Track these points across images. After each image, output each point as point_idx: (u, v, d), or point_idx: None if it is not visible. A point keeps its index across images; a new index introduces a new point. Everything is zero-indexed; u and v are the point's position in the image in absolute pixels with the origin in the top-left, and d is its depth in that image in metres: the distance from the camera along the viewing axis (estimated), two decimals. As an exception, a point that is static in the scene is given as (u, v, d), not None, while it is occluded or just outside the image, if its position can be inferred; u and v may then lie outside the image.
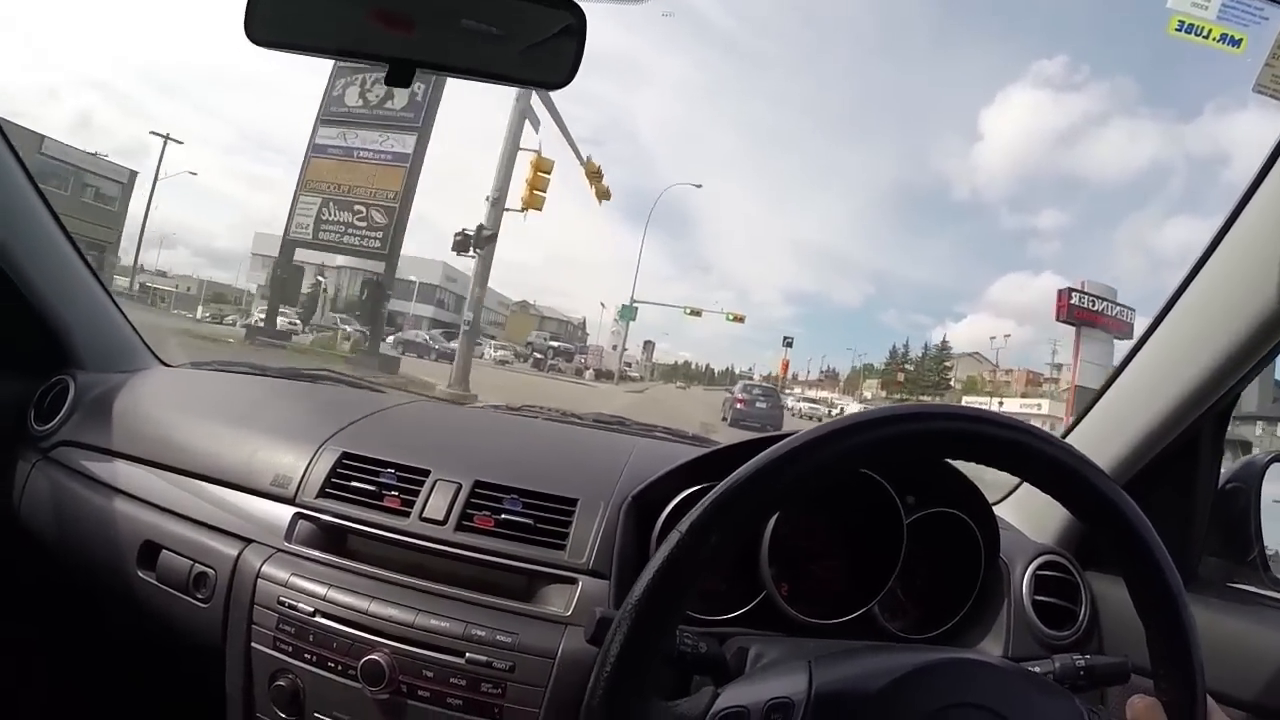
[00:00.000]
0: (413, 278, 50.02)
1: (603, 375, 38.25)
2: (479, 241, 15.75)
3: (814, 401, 47.02)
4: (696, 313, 41.95)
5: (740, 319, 44.24)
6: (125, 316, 1.76)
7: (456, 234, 15.69)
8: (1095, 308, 32.60)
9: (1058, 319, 33.17)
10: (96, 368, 1.64)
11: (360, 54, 0.93)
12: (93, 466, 1.45)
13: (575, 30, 0.89)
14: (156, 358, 1.79)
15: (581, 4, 0.89)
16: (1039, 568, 1.21)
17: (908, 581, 1.21)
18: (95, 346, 1.66)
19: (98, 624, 1.57)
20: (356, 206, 19.74)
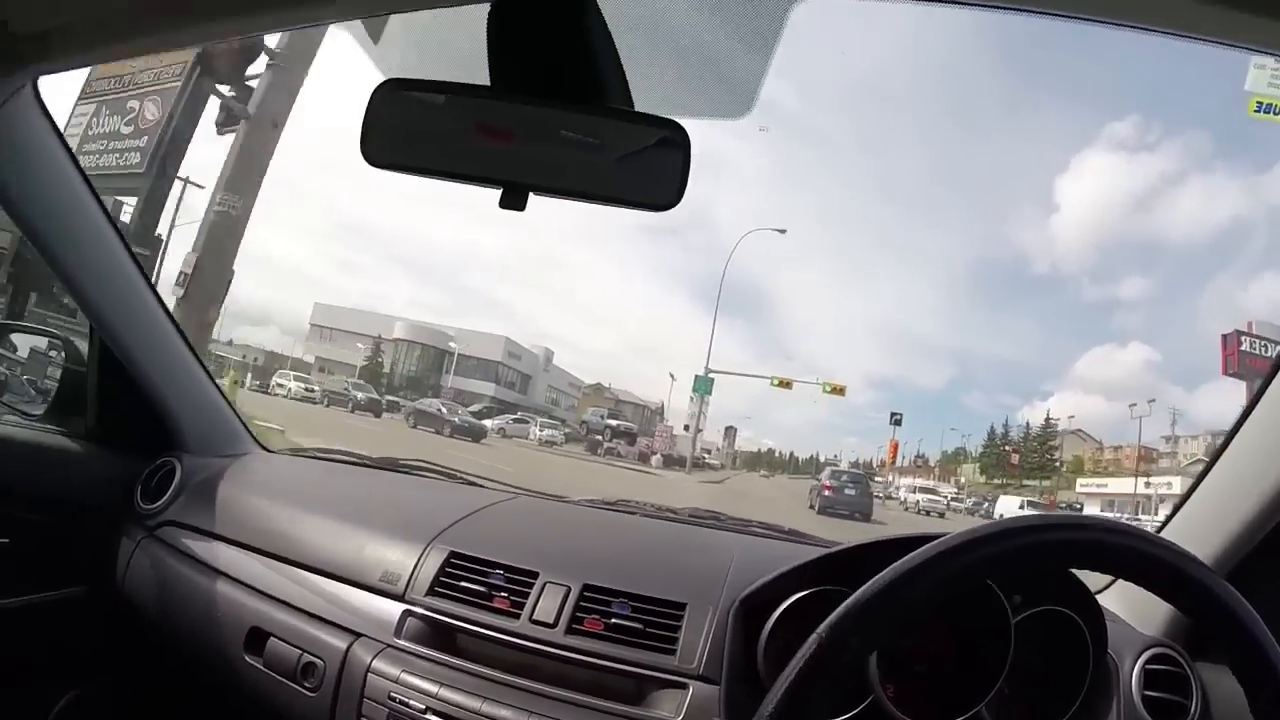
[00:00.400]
0: (471, 352, 46.66)
1: (673, 462, 33.12)
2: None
3: (932, 494, 39.85)
4: (786, 384, 35.84)
5: (840, 391, 36.57)
6: (229, 401, 1.84)
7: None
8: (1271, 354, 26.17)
9: (1226, 372, 27.52)
10: (201, 451, 1.71)
11: (472, 177, 0.94)
12: (197, 548, 1.50)
13: (680, 148, 0.90)
14: (258, 443, 1.86)
15: (681, 121, 0.90)
16: (1148, 661, 1.17)
17: (1014, 679, 1.16)
18: (200, 430, 1.73)
19: (201, 702, 1.60)
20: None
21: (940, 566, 0.70)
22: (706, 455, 45.45)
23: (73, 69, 1.13)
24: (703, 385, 34.99)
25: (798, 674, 0.68)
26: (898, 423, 50.34)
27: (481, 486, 1.87)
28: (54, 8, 0.99)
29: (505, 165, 0.93)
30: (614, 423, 39.06)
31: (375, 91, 0.91)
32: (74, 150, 1.37)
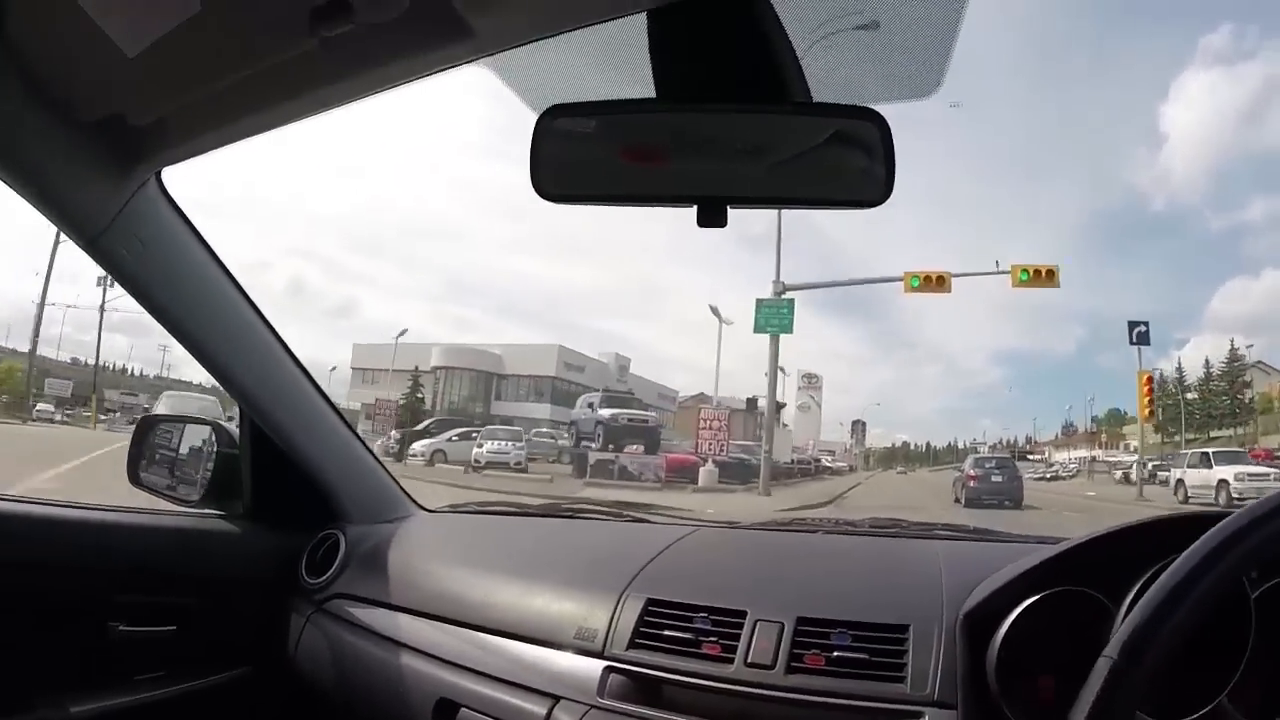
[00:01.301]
0: (518, 370, 42.18)
1: (740, 473, 19.77)
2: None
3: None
4: (937, 282, 19.82)
5: (1048, 273, 19.66)
6: (384, 467, 1.83)
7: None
8: None
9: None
10: (362, 520, 1.70)
11: (660, 198, 0.88)
12: (371, 619, 1.48)
13: (879, 137, 0.83)
14: (416, 504, 1.85)
15: (879, 107, 0.82)
16: None
17: (1250, 662, 1.02)
18: (359, 499, 1.72)
19: None
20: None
21: (1231, 553, 0.64)
22: (827, 457, 42.36)
23: (193, 156, 1.13)
24: (773, 315, 19.57)
25: (1095, 706, 0.62)
26: (1143, 338, 26.59)
27: (651, 522, 1.81)
28: (168, 96, 0.98)
29: (693, 180, 0.86)
30: (610, 413, 23.38)
31: (539, 122, 0.86)
32: (203, 235, 1.38)
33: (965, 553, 1.44)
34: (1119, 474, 33.64)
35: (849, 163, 0.85)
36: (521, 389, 43.31)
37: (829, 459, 43.35)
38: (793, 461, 31.95)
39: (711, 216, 0.85)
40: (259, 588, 1.62)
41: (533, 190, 0.86)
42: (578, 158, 0.88)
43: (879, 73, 0.98)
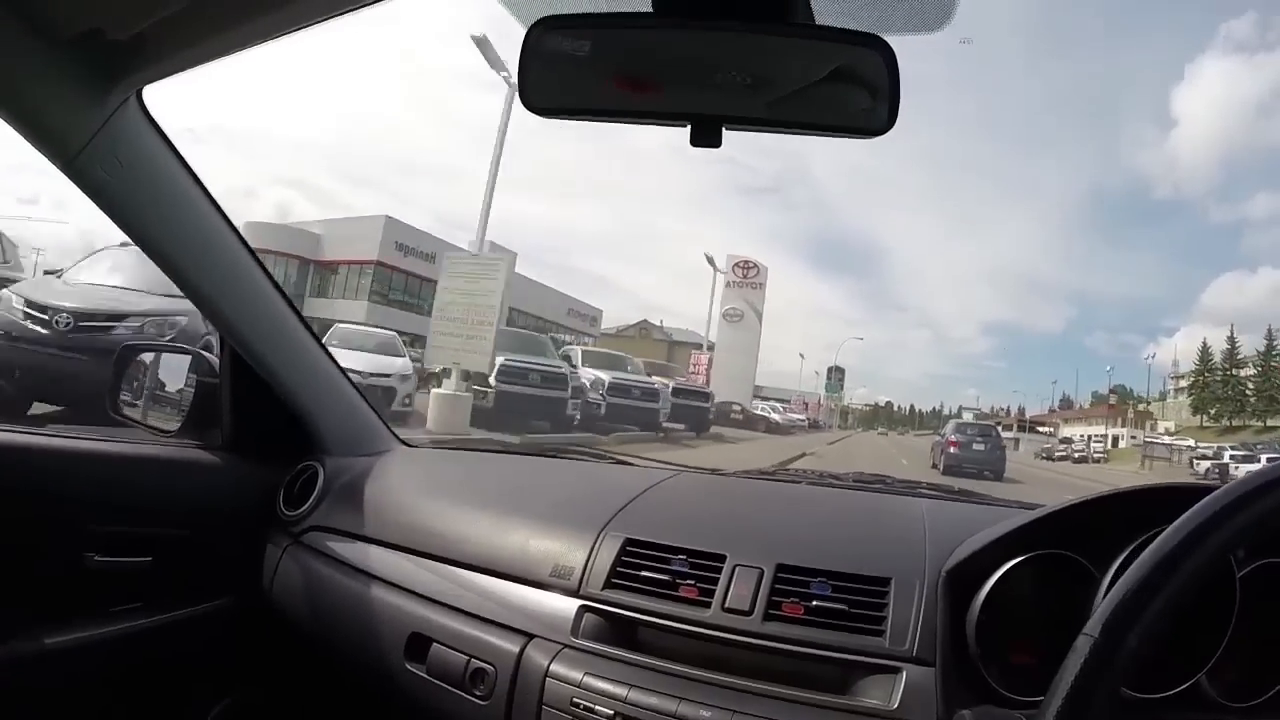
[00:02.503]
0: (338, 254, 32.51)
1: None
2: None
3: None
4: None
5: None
6: (365, 399, 1.82)
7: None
8: None
9: None
10: (342, 452, 1.69)
11: (653, 114, 0.86)
12: (347, 551, 1.47)
13: (884, 64, 0.80)
14: (398, 438, 1.84)
15: (887, 39, 0.80)
16: None
17: (1232, 640, 1.02)
18: (339, 431, 1.71)
19: (359, 711, 1.58)
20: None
21: (1221, 528, 0.62)
22: (770, 410, 33.87)
23: (175, 73, 1.08)
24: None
25: (1070, 692, 0.60)
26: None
27: (634, 465, 1.81)
28: (148, 9, 0.94)
29: (687, 99, 0.84)
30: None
31: (528, 34, 0.83)
32: (186, 158, 1.33)
33: (950, 512, 1.43)
34: (1205, 465, 28.92)
35: (851, 90, 0.83)
36: (351, 282, 34.00)
37: (774, 412, 34.21)
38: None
39: (706, 136, 0.83)
40: (237, 519, 1.61)
41: (522, 107, 0.83)
42: (568, 71, 0.85)
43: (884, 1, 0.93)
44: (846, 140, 0.88)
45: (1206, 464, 28.22)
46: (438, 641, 1.24)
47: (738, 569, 1.13)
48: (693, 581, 1.14)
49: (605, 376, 16.23)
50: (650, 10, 0.82)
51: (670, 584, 1.15)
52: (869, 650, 1.03)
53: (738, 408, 28.21)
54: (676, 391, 18.13)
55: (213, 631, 1.57)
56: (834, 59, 0.82)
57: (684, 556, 1.17)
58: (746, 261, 42.38)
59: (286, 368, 1.61)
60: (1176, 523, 0.64)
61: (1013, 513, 1.18)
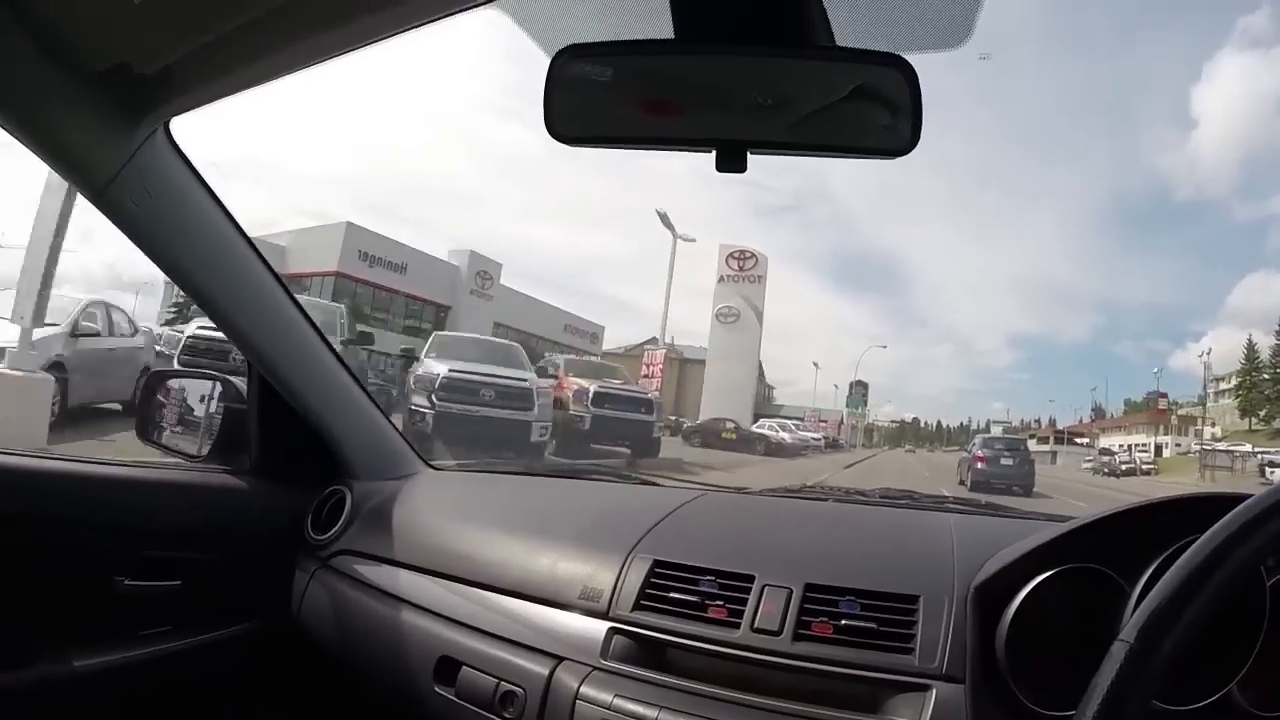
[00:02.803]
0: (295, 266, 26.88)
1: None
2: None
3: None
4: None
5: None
6: (392, 423, 1.83)
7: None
8: None
9: None
10: (369, 476, 1.69)
11: (679, 141, 0.87)
12: (375, 575, 1.48)
13: (906, 85, 0.81)
14: (424, 461, 1.84)
15: (908, 58, 0.80)
16: None
17: (1262, 651, 1.00)
18: (366, 455, 1.72)
19: None
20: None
21: (1252, 537, 0.63)
22: (777, 430, 26.61)
23: (201, 105, 1.11)
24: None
25: (1105, 700, 0.60)
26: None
27: (660, 485, 1.81)
28: (174, 42, 0.96)
29: (712, 123, 0.84)
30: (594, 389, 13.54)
31: (553, 63, 0.84)
32: (212, 188, 1.36)
33: (978, 526, 1.42)
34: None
35: (874, 111, 0.83)
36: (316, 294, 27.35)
37: (783, 430, 27.56)
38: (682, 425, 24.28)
39: (731, 161, 0.83)
40: (264, 543, 1.62)
41: (549, 137, 0.84)
42: (592, 99, 0.86)
43: (906, 18, 0.93)
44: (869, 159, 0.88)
45: (1280, 470, 24.09)
46: (467, 664, 1.24)
47: (766, 589, 1.13)
48: (721, 602, 1.13)
49: (590, 385, 13.34)
50: (672, 37, 0.83)
51: (699, 605, 1.14)
52: (898, 668, 1.03)
53: (730, 425, 23.90)
54: (600, 398, 13.12)
55: (240, 655, 1.58)
56: (855, 80, 0.82)
57: (712, 577, 1.17)
58: (742, 251, 36.81)
59: (313, 393, 1.62)
60: (1212, 530, 0.64)
61: (1041, 526, 1.17)
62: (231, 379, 1.72)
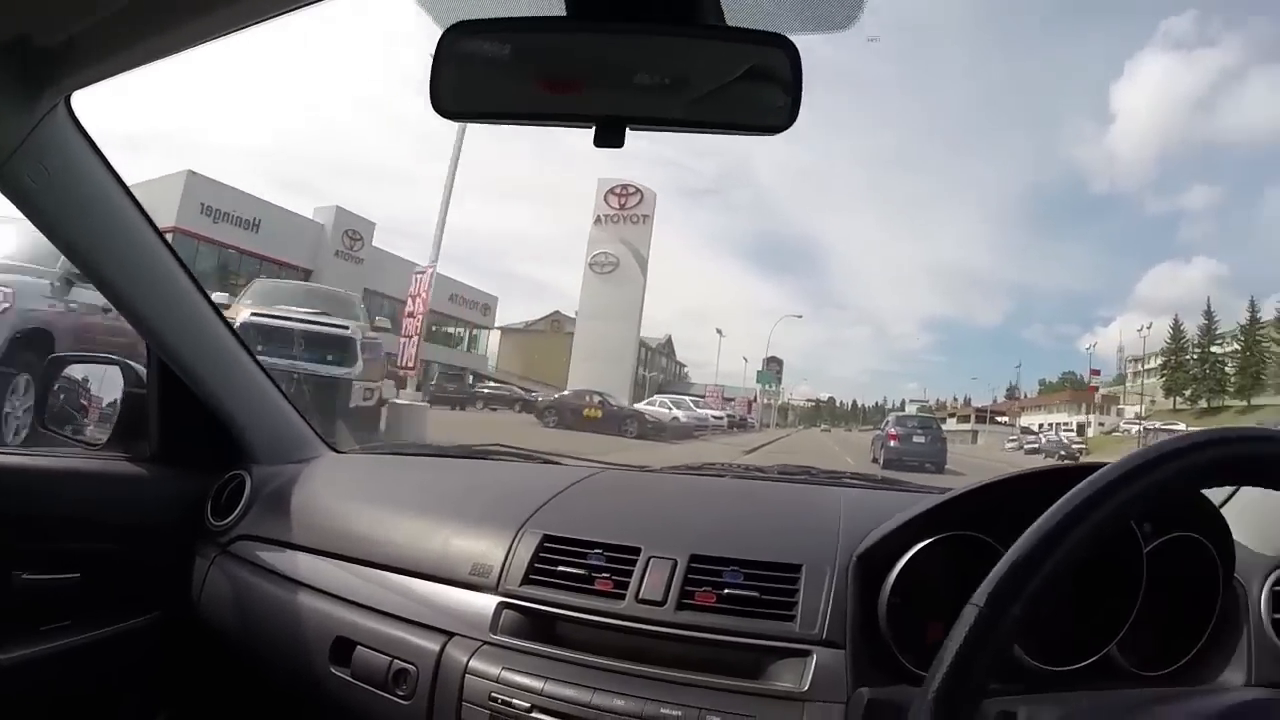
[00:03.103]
0: None
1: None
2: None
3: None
4: None
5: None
6: (294, 407, 1.81)
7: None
8: None
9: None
10: (270, 460, 1.68)
11: (560, 117, 0.87)
12: (274, 560, 1.47)
13: (789, 65, 0.82)
14: (327, 444, 1.83)
15: (792, 37, 0.82)
16: (1276, 583, 1.08)
17: (1140, 612, 1.09)
18: (267, 439, 1.71)
19: (288, 718, 1.58)
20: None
21: (1104, 504, 0.65)
22: (654, 408, 23.16)
23: (104, 79, 1.07)
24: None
25: (957, 654, 0.63)
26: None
27: (561, 464, 1.83)
28: (77, 14, 0.93)
29: (595, 101, 0.85)
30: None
31: (442, 38, 0.84)
32: (114, 166, 1.32)
33: (868, 499, 1.47)
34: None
35: (756, 88, 0.85)
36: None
37: (677, 409, 23.85)
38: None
39: (609, 138, 0.84)
40: (165, 532, 1.58)
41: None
42: (479, 75, 0.86)
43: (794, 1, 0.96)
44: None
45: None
46: (361, 644, 1.25)
47: (652, 560, 1.15)
48: (608, 574, 1.16)
49: (245, 312, 9.13)
50: (564, 14, 0.84)
51: (586, 578, 1.17)
52: (779, 635, 1.06)
53: (595, 400, 20.50)
54: (255, 333, 8.49)
55: (143, 646, 1.55)
56: (740, 58, 0.84)
57: (600, 550, 1.19)
58: (624, 186, 31.80)
59: (214, 376, 1.59)
60: (1064, 497, 0.67)
61: (927, 498, 1.21)
62: (132, 364, 1.67)
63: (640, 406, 22.96)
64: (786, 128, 0.85)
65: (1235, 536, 1.21)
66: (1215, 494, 1.16)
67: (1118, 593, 1.02)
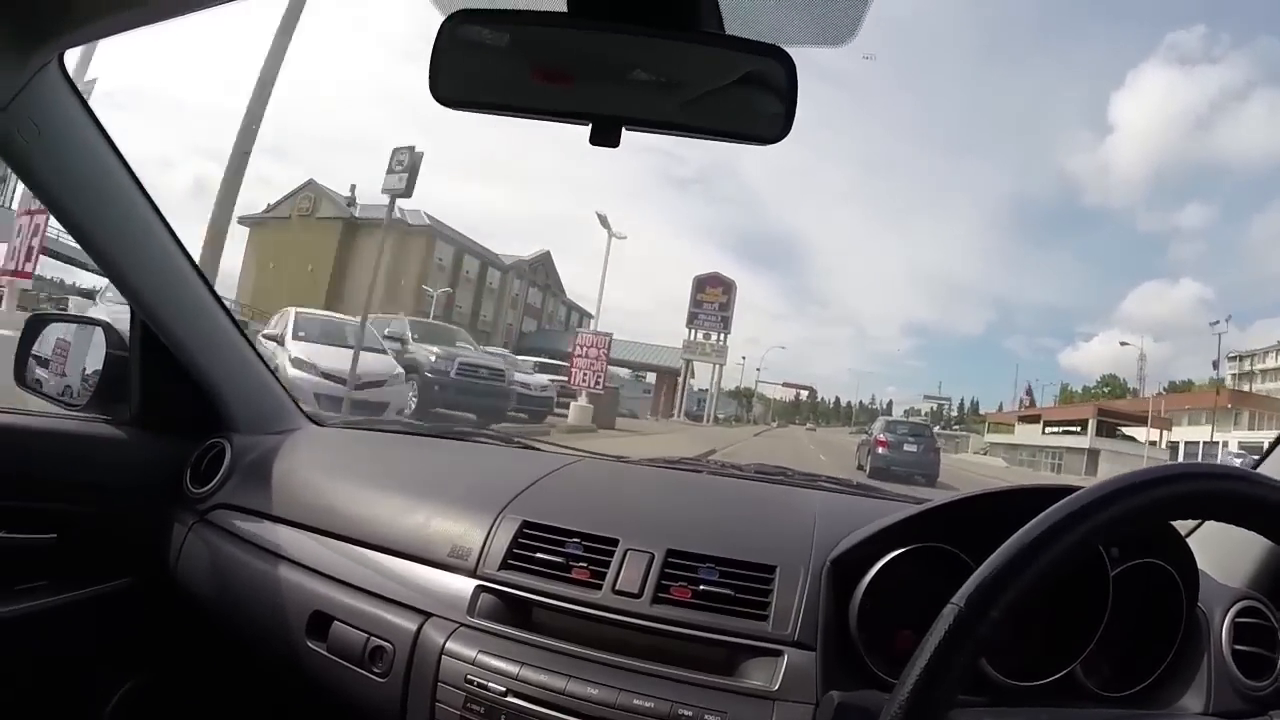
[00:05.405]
0: None
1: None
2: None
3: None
4: None
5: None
6: (276, 377, 1.80)
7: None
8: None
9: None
10: (250, 430, 1.67)
11: (556, 112, 0.88)
12: (253, 530, 1.47)
13: (785, 77, 0.84)
14: (308, 417, 1.83)
15: (790, 50, 0.84)
16: (1238, 614, 1.11)
17: (1104, 634, 1.10)
18: (248, 408, 1.70)
19: (263, 689, 1.58)
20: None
21: (1081, 524, 0.68)
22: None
23: (97, 38, 1.09)
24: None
25: (933, 657, 0.65)
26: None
27: (541, 450, 1.83)
28: None
29: (591, 98, 0.87)
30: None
31: (443, 25, 0.85)
32: (104, 126, 1.31)
33: (843, 504, 1.48)
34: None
35: (751, 98, 0.86)
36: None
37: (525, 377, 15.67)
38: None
39: (605, 136, 0.85)
40: (143, 496, 1.58)
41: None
42: (479, 64, 0.87)
43: (794, 13, 0.97)
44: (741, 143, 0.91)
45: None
46: (339, 620, 1.25)
47: (629, 553, 1.17)
48: (585, 564, 1.17)
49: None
50: (565, 10, 0.84)
51: (564, 566, 1.18)
52: (752, 634, 1.08)
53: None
54: None
55: (118, 611, 1.55)
56: (736, 67, 0.86)
57: (578, 539, 1.20)
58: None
59: (197, 342, 1.59)
60: (1048, 510, 0.69)
61: (902, 507, 1.23)
62: (114, 326, 1.66)
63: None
64: (780, 139, 0.86)
65: (1200, 566, 1.24)
66: (1182, 524, 1.18)
67: (1084, 613, 1.04)
